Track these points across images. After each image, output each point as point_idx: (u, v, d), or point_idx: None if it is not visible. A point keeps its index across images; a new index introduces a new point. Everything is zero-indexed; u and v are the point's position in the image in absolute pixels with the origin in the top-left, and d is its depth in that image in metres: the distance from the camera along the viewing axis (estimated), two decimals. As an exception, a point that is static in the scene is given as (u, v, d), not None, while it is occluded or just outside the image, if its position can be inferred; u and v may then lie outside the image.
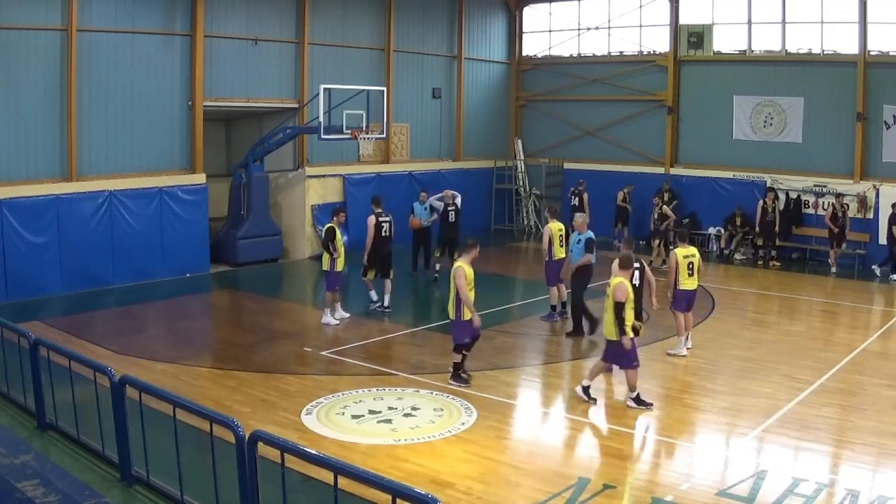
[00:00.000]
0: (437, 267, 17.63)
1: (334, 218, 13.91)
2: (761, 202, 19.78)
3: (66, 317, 14.15)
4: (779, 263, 19.54)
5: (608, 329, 9.83)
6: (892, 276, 18.00)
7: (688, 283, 12.16)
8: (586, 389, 10.06)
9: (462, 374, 10.71)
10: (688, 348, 12.30)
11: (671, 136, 22.90)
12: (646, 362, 11.87)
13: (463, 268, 10.31)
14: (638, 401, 9.83)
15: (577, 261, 13.08)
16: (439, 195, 17.93)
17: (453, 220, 17.55)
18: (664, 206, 19.02)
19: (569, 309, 13.81)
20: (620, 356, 9.81)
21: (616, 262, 10.34)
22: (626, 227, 21.58)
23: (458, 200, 17.79)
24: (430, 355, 12.13)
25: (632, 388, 9.86)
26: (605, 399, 10.68)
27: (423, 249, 18.05)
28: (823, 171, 20.31)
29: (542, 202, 24.71)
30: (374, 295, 14.66)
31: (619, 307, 9.62)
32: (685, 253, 12.20)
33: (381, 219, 14.53)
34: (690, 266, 12.10)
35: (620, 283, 9.74)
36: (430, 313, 15.71)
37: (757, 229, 19.86)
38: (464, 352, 10.69)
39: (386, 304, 14.57)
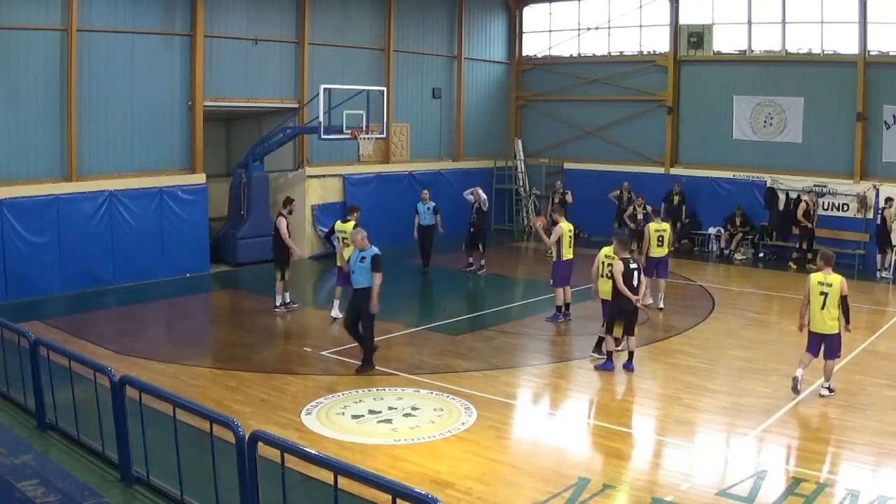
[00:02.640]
0: (483, 262, 18.41)
1: (356, 214, 14.24)
2: (803, 204, 19.54)
3: (66, 317, 14.15)
4: (814, 266, 18.92)
5: (831, 324, 10.01)
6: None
7: (656, 252, 14.70)
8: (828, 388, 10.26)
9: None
10: (660, 308, 14.78)
11: (671, 136, 22.91)
12: (646, 362, 11.92)
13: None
14: (830, 389, 10.18)
15: (362, 283, 11.06)
16: (471, 190, 18.76)
17: (474, 219, 18.41)
18: (648, 207, 19.01)
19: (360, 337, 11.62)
20: (838, 348, 10.17)
21: (824, 263, 10.31)
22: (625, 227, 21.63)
23: (483, 202, 18.54)
24: (430, 355, 12.14)
25: (830, 377, 10.20)
26: (604, 399, 10.69)
27: (426, 248, 18.48)
28: (823, 171, 20.31)
29: (542, 202, 24.71)
30: (285, 297, 14.84)
31: (845, 300, 9.97)
32: (656, 227, 14.78)
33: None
34: (660, 239, 14.69)
35: (843, 280, 10.06)
36: (430, 313, 15.69)
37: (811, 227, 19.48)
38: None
39: (289, 300, 14.93)
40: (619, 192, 21.83)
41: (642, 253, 14.77)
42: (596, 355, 11.87)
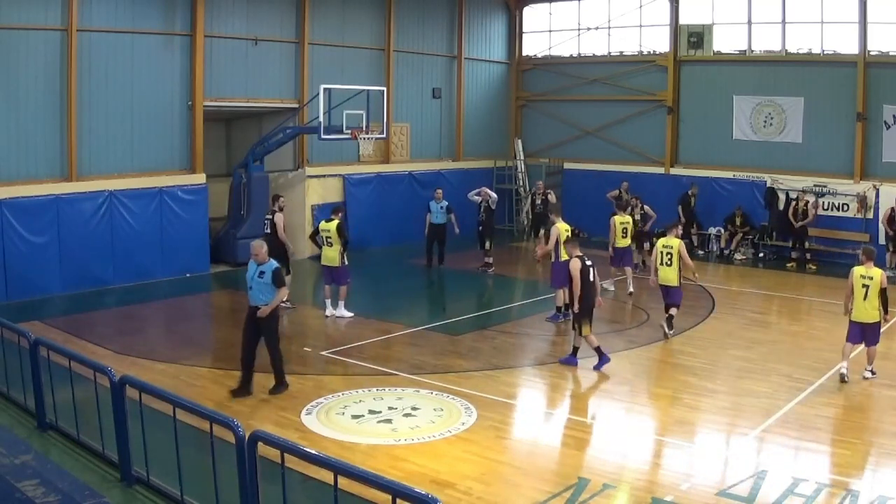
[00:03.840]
0: (490, 260, 18.61)
1: (340, 214, 14.33)
2: (794, 203, 19.58)
3: (66, 317, 14.15)
4: (814, 266, 19.18)
5: (872, 314, 10.75)
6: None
7: (621, 243, 16.24)
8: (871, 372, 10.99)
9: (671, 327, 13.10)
10: (630, 292, 16.08)
11: (671, 136, 22.90)
12: (646, 362, 11.93)
13: (682, 243, 13.13)
14: (873, 372, 10.92)
15: (271, 301, 10.22)
16: (477, 191, 18.96)
17: (483, 217, 18.60)
18: (645, 206, 19.01)
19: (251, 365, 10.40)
20: (877, 335, 10.92)
21: (865, 257, 10.99)
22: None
23: (492, 200, 18.71)
24: (430, 355, 12.14)
25: (872, 361, 10.96)
26: (604, 399, 10.68)
27: (438, 246, 18.60)
28: (823, 171, 20.30)
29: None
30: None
31: (884, 292, 10.74)
32: (621, 220, 16.28)
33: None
34: (625, 230, 16.26)
35: (883, 273, 10.88)
36: (430, 313, 15.70)
37: (798, 227, 19.52)
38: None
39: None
40: (617, 191, 21.80)
41: (611, 244, 16.38)
42: (669, 330, 13.03)
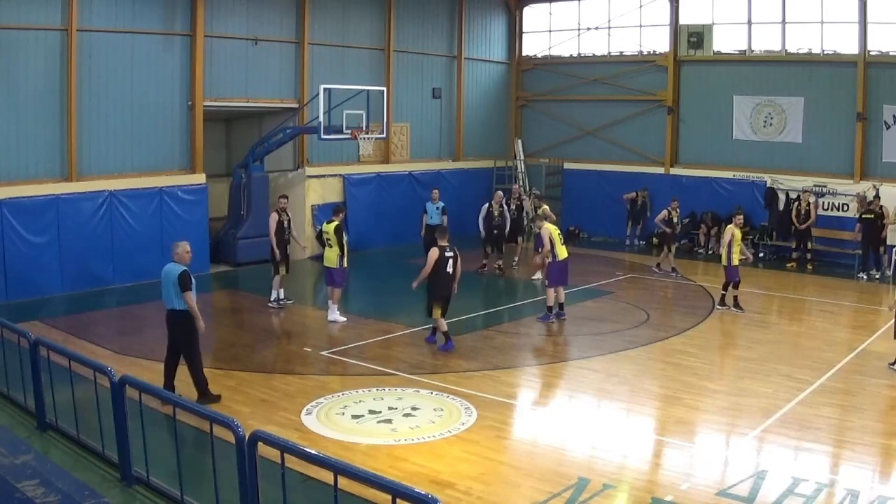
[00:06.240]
0: (499, 263, 18.74)
1: (340, 215, 14.23)
2: (797, 205, 19.58)
3: (66, 317, 14.15)
4: (811, 266, 19.30)
5: None
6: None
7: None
8: None
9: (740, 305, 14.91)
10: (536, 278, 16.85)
11: (671, 136, 22.90)
12: (646, 362, 11.92)
13: (734, 229, 14.90)
14: None
15: (175, 304, 10.32)
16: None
17: (499, 222, 18.51)
18: (678, 209, 18.96)
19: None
20: None
21: None
22: (638, 226, 21.82)
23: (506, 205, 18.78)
24: (430, 355, 12.14)
25: None
26: (604, 399, 10.68)
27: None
28: (823, 171, 20.32)
29: (542, 202, 24.67)
30: (282, 293, 15.33)
31: None
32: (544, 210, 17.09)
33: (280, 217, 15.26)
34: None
35: None
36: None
37: (802, 229, 19.51)
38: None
39: (282, 296, 15.35)
40: (634, 193, 21.81)
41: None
42: (736, 310, 14.79)
